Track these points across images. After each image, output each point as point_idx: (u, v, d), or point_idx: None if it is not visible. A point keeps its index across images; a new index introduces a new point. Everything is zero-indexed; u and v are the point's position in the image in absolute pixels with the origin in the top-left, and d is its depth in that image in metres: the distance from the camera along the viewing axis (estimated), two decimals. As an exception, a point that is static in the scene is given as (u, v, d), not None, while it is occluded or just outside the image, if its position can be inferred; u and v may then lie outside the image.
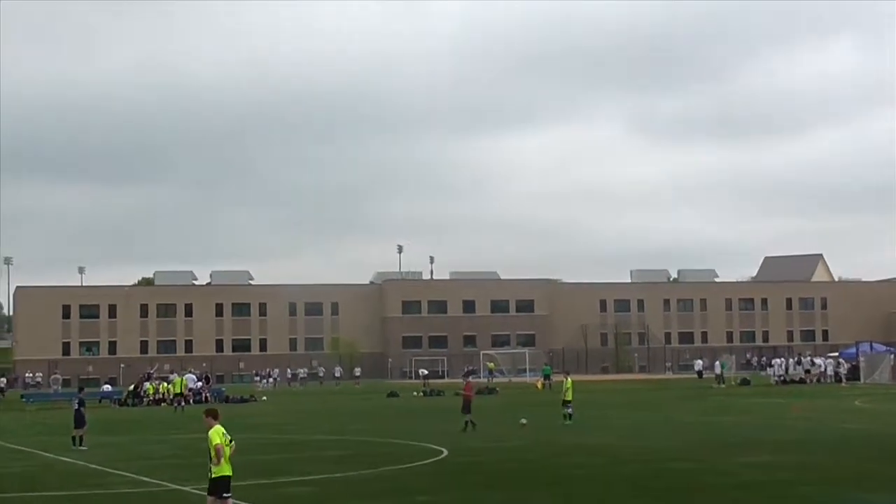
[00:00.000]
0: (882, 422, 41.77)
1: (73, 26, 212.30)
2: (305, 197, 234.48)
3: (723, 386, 78.58)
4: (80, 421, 36.20)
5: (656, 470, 26.07)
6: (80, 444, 35.45)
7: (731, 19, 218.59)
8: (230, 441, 17.20)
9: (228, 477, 17.12)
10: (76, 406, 36.99)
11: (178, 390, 67.85)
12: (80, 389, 42.00)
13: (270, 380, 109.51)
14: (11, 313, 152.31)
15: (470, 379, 51.07)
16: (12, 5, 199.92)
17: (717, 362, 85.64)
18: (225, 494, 17.10)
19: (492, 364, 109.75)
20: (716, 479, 24.10)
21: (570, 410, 41.91)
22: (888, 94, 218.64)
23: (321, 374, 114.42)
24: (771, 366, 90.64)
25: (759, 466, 26.49)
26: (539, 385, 75.62)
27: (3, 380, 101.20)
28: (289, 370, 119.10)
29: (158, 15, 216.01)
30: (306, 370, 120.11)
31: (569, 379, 43.78)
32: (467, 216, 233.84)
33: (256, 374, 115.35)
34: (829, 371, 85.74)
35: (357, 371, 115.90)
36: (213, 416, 17.59)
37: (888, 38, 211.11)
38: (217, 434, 17.07)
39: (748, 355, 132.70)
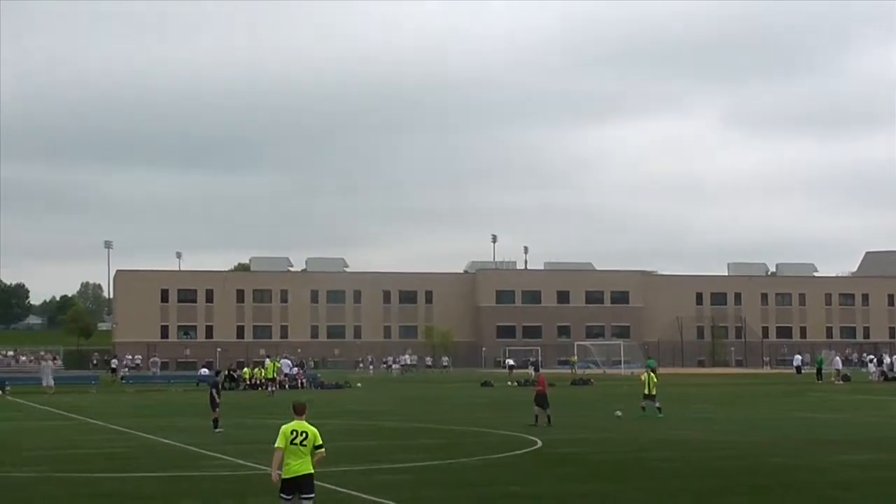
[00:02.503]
0: None
1: (179, 19, 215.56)
2: (401, 186, 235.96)
3: (838, 382, 76.79)
4: (214, 404, 36.52)
5: (750, 465, 25.75)
6: (216, 427, 35.62)
7: (831, 10, 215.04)
8: (306, 441, 15.42)
9: (307, 476, 15.46)
10: (211, 390, 37.38)
11: (269, 375, 68.50)
12: (217, 373, 42.39)
13: (398, 366, 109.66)
14: (112, 296, 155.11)
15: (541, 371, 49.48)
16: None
17: (837, 358, 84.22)
18: (304, 496, 15.50)
19: (574, 358, 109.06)
20: (812, 476, 23.73)
21: (657, 404, 41.51)
22: None
23: (429, 363, 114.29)
24: (873, 362, 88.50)
25: (858, 465, 26.04)
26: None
27: (115, 360, 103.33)
28: (392, 358, 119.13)
29: (262, 10, 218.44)
30: (432, 359, 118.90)
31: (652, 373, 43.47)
32: (562, 207, 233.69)
33: (360, 361, 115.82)
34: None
35: (445, 360, 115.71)
36: (295, 410, 15.91)
37: None
38: (282, 435, 15.49)
39: (847, 351, 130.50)
